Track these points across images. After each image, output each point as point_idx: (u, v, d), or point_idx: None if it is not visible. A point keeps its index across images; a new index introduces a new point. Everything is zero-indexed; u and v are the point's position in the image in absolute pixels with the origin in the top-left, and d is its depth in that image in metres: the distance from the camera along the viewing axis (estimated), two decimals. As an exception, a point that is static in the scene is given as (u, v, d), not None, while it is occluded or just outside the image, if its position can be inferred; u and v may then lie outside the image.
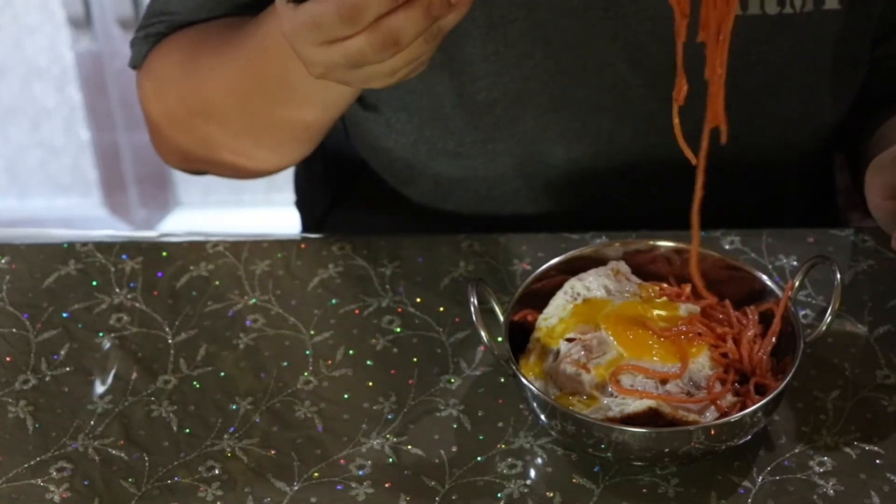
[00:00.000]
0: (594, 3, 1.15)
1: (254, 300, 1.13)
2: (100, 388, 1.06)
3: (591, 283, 1.04)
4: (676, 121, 0.99)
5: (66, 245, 1.18)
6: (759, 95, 1.20)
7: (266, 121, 1.17)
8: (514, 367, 0.98)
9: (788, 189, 1.31)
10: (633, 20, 1.15)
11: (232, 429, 1.03)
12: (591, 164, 1.22)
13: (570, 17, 1.15)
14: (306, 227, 1.46)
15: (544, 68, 1.17)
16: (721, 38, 0.97)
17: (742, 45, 1.17)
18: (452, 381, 1.06)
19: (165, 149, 1.27)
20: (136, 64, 1.25)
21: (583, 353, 1.00)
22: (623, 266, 1.06)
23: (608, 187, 1.23)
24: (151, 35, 1.23)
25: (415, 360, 1.08)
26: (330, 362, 1.08)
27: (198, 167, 1.28)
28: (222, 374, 1.08)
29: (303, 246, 1.18)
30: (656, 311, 1.02)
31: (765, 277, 1.05)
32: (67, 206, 2.57)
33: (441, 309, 1.12)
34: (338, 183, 1.37)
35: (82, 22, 2.38)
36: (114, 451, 1.02)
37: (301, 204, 1.48)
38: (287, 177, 1.47)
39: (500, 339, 1.01)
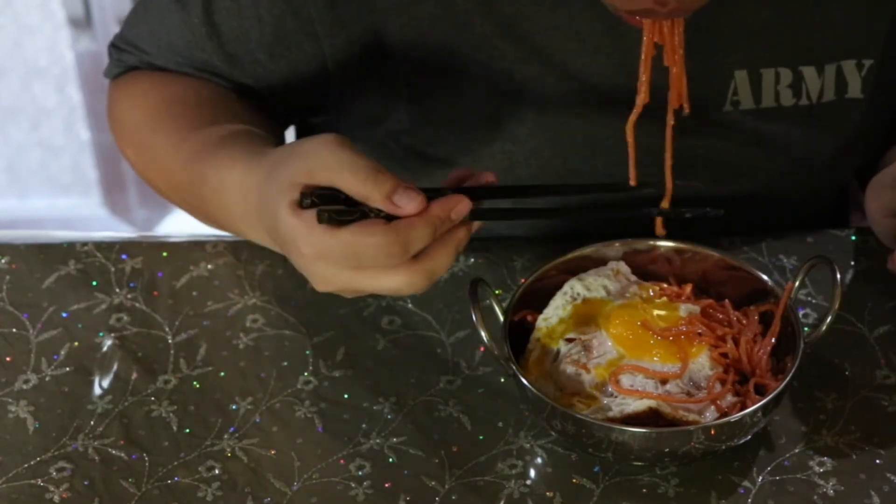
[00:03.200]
0: (613, 108, 1.12)
1: (254, 300, 1.13)
2: (100, 389, 1.06)
3: (591, 283, 1.04)
4: (631, 139, 1.02)
5: (66, 245, 1.18)
6: (772, 181, 1.19)
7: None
8: (514, 367, 0.98)
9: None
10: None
11: (232, 429, 1.03)
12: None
13: (578, 120, 1.14)
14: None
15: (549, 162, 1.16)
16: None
17: (756, 134, 1.15)
18: (452, 381, 1.06)
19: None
20: (109, 77, 1.24)
21: (583, 353, 1.00)
22: (623, 266, 1.06)
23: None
24: (124, 62, 1.21)
25: (415, 360, 1.08)
26: (330, 362, 1.08)
27: None
28: (222, 374, 1.08)
29: (303, 246, 1.18)
30: (656, 311, 1.02)
31: (765, 277, 1.05)
32: (67, 206, 2.57)
33: (441, 309, 1.12)
34: None
35: (82, 22, 2.38)
36: (114, 451, 1.02)
37: None
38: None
39: (500, 339, 1.01)
